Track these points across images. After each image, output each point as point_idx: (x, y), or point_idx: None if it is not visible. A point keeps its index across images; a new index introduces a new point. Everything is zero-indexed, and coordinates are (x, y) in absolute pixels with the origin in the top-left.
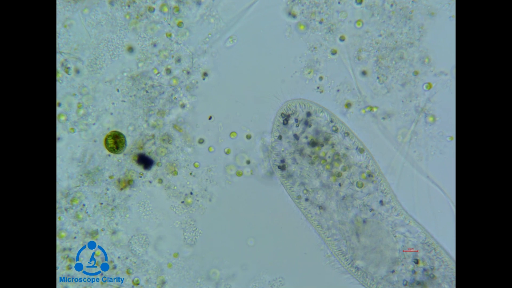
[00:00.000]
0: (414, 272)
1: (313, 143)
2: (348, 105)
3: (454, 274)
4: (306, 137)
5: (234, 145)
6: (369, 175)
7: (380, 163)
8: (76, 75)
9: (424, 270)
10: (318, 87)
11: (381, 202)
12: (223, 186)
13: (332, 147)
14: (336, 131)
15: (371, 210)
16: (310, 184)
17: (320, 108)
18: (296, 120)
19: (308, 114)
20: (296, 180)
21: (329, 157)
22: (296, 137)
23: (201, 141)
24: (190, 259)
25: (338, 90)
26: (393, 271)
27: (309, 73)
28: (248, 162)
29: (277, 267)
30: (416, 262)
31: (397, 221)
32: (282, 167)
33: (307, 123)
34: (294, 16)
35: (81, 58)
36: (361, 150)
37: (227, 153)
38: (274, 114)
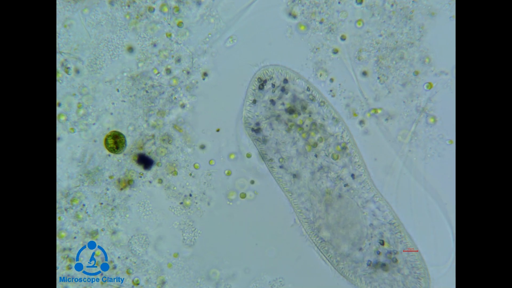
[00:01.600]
0: (378, 253)
1: (290, 110)
2: (348, 106)
3: (416, 260)
4: (283, 104)
5: (234, 165)
6: (344, 148)
7: (381, 163)
8: (76, 75)
9: (388, 252)
10: (330, 91)
11: (352, 176)
12: (222, 192)
13: (310, 116)
14: (313, 100)
15: (346, 185)
16: (286, 152)
17: (297, 75)
18: (273, 85)
19: (285, 81)
20: (271, 146)
21: (306, 125)
22: (272, 102)
23: (203, 147)
24: (190, 259)
25: (331, 91)
26: (360, 249)
27: (320, 75)
28: (252, 182)
29: (278, 267)
30: (382, 243)
31: (368, 197)
32: (256, 130)
33: (284, 90)
34: (294, 17)
35: (81, 58)
36: (336, 120)
37: (227, 174)
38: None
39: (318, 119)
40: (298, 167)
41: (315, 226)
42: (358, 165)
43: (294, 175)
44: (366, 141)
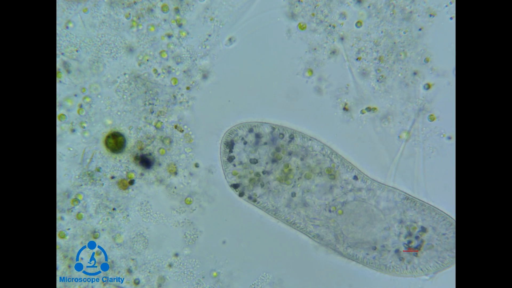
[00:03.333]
0: (409, 242)
1: (273, 158)
2: (347, 106)
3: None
4: (267, 158)
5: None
6: (330, 168)
7: (381, 161)
8: (76, 76)
9: (417, 237)
10: (345, 106)
11: (355, 177)
12: (223, 189)
13: (290, 155)
14: (282, 137)
15: (358, 190)
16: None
17: (258, 122)
18: (245, 142)
19: (250, 130)
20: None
21: (297, 167)
22: (254, 161)
23: (197, 165)
24: (190, 259)
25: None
26: (375, 248)
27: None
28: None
29: (278, 267)
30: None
31: (375, 187)
32: (239, 190)
33: (257, 141)
34: (294, 18)
35: (81, 58)
36: (314, 140)
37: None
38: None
39: (301, 153)
40: (303, 212)
41: (338, 246)
42: (351, 169)
43: (304, 204)
44: (363, 141)
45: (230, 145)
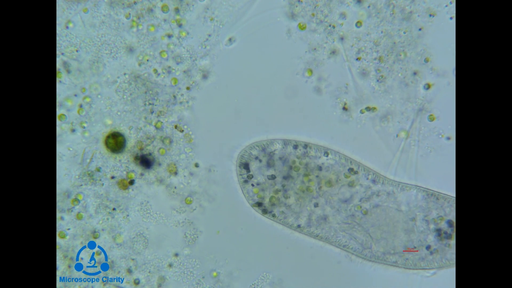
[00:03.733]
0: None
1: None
2: (347, 106)
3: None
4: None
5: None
6: (352, 171)
7: (379, 163)
8: (76, 76)
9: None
10: (344, 105)
11: (373, 181)
12: (223, 188)
13: (306, 168)
14: (296, 147)
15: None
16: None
17: (268, 140)
18: (260, 160)
19: (263, 149)
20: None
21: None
22: (272, 177)
23: (197, 165)
24: (190, 259)
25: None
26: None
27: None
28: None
29: (278, 267)
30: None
31: (396, 190)
32: (262, 208)
33: (269, 161)
34: (294, 18)
35: (81, 58)
36: (327, 154)
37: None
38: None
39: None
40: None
41: (365, 252)
42: (368, 172)
43: (324, 218)
44: (362, 141)
45: (245, 166)
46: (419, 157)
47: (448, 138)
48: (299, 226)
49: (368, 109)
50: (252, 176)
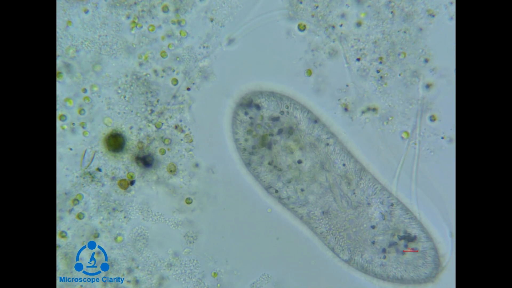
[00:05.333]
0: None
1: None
2: (347, 107)
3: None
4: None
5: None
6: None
7: (380, 164)
8: (76, 76)
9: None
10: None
11: (391, 204)
12: (224, 189)
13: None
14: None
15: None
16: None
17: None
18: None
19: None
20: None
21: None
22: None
23: (197, 165)
24: (190, 259)
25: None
26: (373, 242)
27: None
28: None
29: (278, 267)
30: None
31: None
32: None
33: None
34: (294, 18)
35: (81, 58)
36: (315, 121)
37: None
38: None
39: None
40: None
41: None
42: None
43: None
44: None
45: (249, 104)
46: (419, 158)
47: (450, 140)
48: (299, 162)
49: (368, 109)
50: (260, 107)
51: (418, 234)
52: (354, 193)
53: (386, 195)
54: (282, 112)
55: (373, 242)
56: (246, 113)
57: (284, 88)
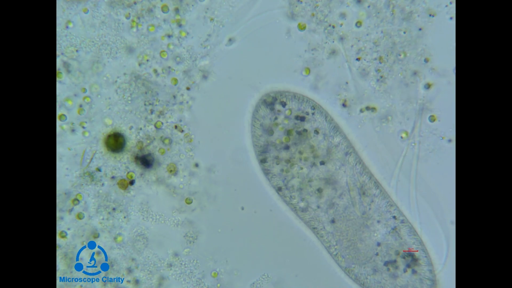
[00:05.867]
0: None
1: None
2: (347, 102)
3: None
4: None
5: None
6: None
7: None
8: (76, 76)
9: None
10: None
11: (394, 217)
12: (224, 188)
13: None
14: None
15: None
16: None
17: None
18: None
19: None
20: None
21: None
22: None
23: (197, 165)
24: (190, 259)
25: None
26: (377, 254)
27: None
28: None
29: (278, 267)
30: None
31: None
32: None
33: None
34: (294, 18)
35: (81, 58)
36: (313, 108)
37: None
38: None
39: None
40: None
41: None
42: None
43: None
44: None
45: (272, 103)
46: (418, 158)
47: (450, 141)
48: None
49: (368, 108)
50: (286, 104)
51: (419, 255)
52: (370, 207)
53: (396, 212)
54: (307, 113)
55: (377, 254)
56: (271, 109)
57: (306, 93)
